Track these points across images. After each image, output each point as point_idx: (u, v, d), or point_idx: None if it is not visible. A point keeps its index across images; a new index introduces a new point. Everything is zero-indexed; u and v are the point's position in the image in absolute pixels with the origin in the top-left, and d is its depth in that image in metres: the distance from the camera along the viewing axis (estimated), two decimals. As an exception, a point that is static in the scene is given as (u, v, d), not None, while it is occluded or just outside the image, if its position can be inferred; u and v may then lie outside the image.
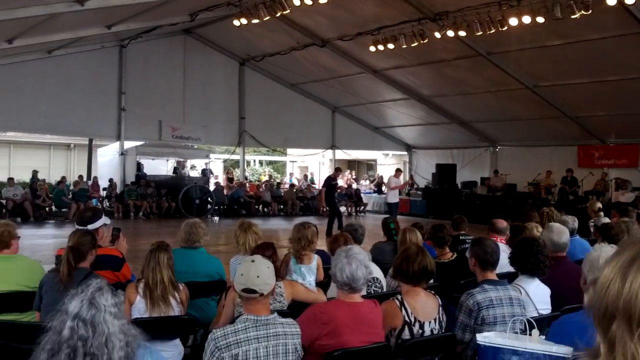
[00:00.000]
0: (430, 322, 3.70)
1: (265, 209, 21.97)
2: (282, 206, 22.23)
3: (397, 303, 3.69)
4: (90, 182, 20.17)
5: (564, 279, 4.25)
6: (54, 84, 17.97)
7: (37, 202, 17.75)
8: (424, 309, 3.72)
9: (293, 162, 34.13)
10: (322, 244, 6.46)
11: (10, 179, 18.22)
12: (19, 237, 4.73)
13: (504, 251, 5.10)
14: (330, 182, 15.54)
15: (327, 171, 25.36)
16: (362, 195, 24.23)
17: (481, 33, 13.07)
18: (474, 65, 16.24)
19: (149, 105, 19.82)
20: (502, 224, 6.45)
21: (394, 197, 16.69)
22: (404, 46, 14.80)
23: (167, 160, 23.32)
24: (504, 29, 12.73)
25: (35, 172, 20.03)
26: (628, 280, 1.01)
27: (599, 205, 9.11)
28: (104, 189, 19.88)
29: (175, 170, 22.91)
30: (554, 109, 17.28)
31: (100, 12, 13.13)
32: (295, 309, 4.01)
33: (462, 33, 13.62)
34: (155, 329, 3.57)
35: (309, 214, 21.53)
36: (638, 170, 17.70)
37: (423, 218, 18.66)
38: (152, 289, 3.94)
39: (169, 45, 20.39)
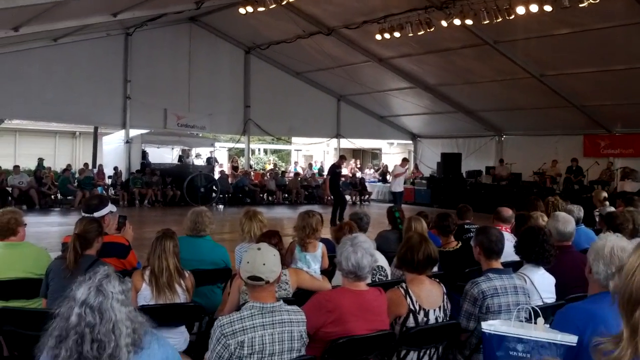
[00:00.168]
0: (434, 310, 3.71)
1: (270, 198, 22.00)
2: (286, 195, 22.25)
3: (402, 291, 3.70)
4: (95, 170, 20.23)
5: (569, 268, 4.25)
6: (59, 71, 18.00)
7: (43, 190, 17.81)
8: (429, 297, 3.73)
9: (298, 150, 34.13)
10: (326, 233, 6.47)
11: (16, 167, 18.30)
12: (25, 224, 4.75)
13: (509, 240, 5.10)
14: (334, 169, 15.51)
15: (332, 160, 25.36)
16: (366, 184, 24.21)
17: (488, 22, 13.00)
18: (481, 54, 16.17)
19: (154, 93, 19.83)
20: (507, 212, 6.44)
21: (398, 186, 16.68)
22: (410, 35, 14.75)
23: (172, 149, 23.34)
24: (511, 18, 12.66)
25: (40, 160, 20.10)
26: None
27: (605, 194, 9.10)
28: (109, 177, 19.95)
29: (180, 158, 22.95)
30: (560, 98, 17.21)
31: (106, 0, 13.11)
32: (300, 297, 4.03)
33: (468, 22, 13.55)
34: (161, 316, 3.59)
35: (314, 202, 21.55)
36: (644, 160, 17.65)
37: (427, 207, 18.65)
38: (157, 276, 3.96)
39: (175, 33, 20.36)
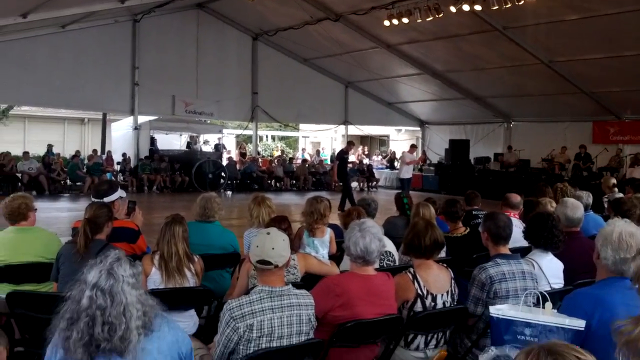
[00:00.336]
0: (442, 295, 3.73)
1: (278, 184, 22.05)
2: (294, 181, 22.29)
3: (410, 276, 3.71)
4: (104, 157, 20.32)
5: (577, 254, 4.25)
6: (67, 58, 18.02)
7: (52, 176, 17.92)
8: (436, 282, 3.75)
9: (305, 137, 34.11)
10: (334, 219, 6.49)
11: (26, 153, 18.39)
12: (35, 209, 4.78)
13: (517, 226, 5.10)
14: (342, 155, 15.50)
15: (339, 147, 25.33)
16: (374, 170, 24.20)
17: (497, 7, 12.90)
18: (489, 40, 16.06)
19: (162, 80, 19.84)
20: (516, 198, 6.43)
21: (407, 173, 16.66)
22: (419, 21, 14.67)
23: (181, 135, 23.38)
24: (520, 4, 12.57)
25: (50, 146, 20.18)
26: None
27: (613, 181, 9.07)
28: (118, 163, 20.02)
29: (188, 145, 23.00)
30: (569, 85, 17.11)
31: (114, -14, 13.10)
32: (308, 281, 4.05)
33: (477, 7, 13.45)
34: (171, 300, 3.62)
35: (321, 188, 21.57)
36: (654, 146, 17.55)
37: (435, 194, 18.63)
38: (167, 261, 3.98)
39: (182, 20, 20.32)
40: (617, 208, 5.79)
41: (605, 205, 7.99)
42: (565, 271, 4.24)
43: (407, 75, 20.87)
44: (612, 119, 18.84)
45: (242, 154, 23.95)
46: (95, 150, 20.83)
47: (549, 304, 2.65)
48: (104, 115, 23.37)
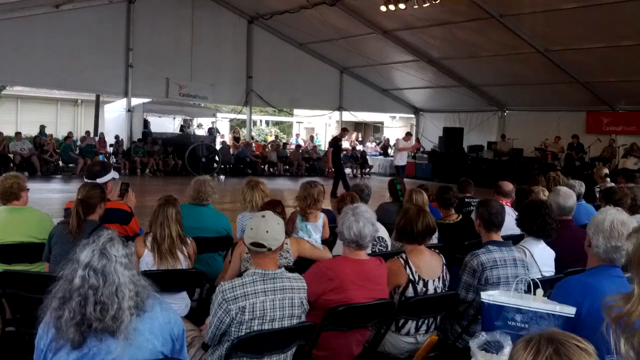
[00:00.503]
0: (434, 281, 3.75)
1: (271, 169, 22.04)
2: (287, 167, 22.27)
3: (402, 261, 3.73)
4: (97, 139, 20.21)
5: (569, 243, 4.27)
6: (61, 39, 17.83)
7: (45, 157, 17.84)
8: (428, 267, 3.76)
9: (299, 123, 34.05)
10: (326, 204, 6.50)
11: (18, 134, 18.27)
12: (28, 189, 4.76)
13: (510, 214, 5.13)
14: (336, 142, 15.50)
15: (333, 133, 25.31)
16: (367, 157, 24.21)
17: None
18: (485, 27, 16.03)
19: (156, 62, 19.71)
20: (508, 186, 6.45)
21: (401, 160, 16.69)
22: (416, 7, 14.60)
23: (174, 118, 23.29)
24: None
25: (42, 127, 20.07)
26: None
27: (606, 171, 9.10)
28: (111, 145, 19.93)
29: (181, 128, 22.92)
30: (564, 74, 17.12)
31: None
32: (300, 265, 4.06)
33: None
34: (163, 282, 3.61)
35: (315, 174, 21.57)
36: (646, 137, 17.62)
37: (428, 181, 18.66)
38: (160, 243, 3.98)
39: (177, 2, 20.15)
40: (608, 197, 5.82)
41: (597, 195, 8.03)
42: (556, 259, 4.27)
43: (403, 62, 20.82)
44: (606, 109, 18.89)
45: (236, 139, 23.89)
46: (88, 132, 20.71)
47: (539, 291, 2.66)
48: (97, 96, 23.21)
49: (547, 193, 6.05)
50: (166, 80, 20.28)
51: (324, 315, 3.30)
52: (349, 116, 25.72)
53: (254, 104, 23.22)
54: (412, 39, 18.95)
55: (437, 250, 4.01)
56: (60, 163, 18.51)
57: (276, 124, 36.44)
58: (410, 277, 3.69)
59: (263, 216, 3.13)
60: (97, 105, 23.56)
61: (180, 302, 4.05)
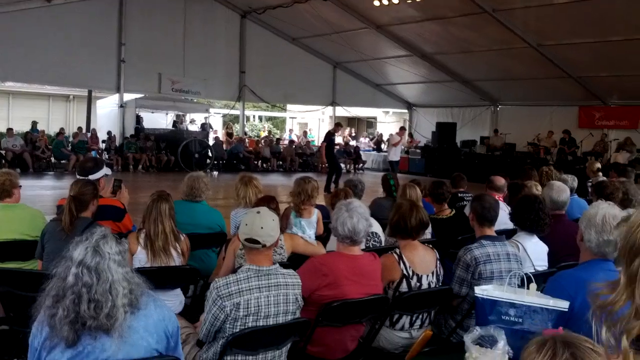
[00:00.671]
0: (427, 276, 3.76)
1: (265, 165, 22.00)
2: (281, 162, 22.25)
3: (396, 257, 3.74)
4: (89, 135, 20.11)
5: (562, 237, 4.28)
6: (53, 34, 17.71)
7: (37, 154, 17.76)
8: (422, 262, 3.78)
9: (292, 118, 33.99)
10: (320, 200, 6.50)
11: (10, 130, 18.16)
12: (20, 186, 4.74)
13: (502, 209, 5.14)
14: (330, 137, 15.51)
15: (326, 128, 25.29)
16: (361, 152, 24.21)
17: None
18: (478, 22, 16.03)
19: (148, 57, 19.60)
20: (500, 181, 6.48)
21: (395, 155, 16.72)
22: (409, 1, 14.59)
23: (167, 114, 23.19)
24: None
25: (34, 123, 19.96)
26: None
27: (598, 165, 9.15)
28: (103, 141, 19.85)
29: (174, 124, 22.84)
30: (557, 69, 17.16)
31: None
32: (294, 261, 4.06)
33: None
34: (157, 279, 3.61)
35: (308, 170, 21.54)
36: (638, 132, 17.68)
37: (421, 176, 18.70)
38: (153, 240, 3.96)
39: (170, -4, 20.05)
40: (599, 191, 5.85)
41: (590, 189, 8.07)
42: (549, 253, 4.28)
43: (396, 57, 20.80)
44: (598, 103, 18.95)
45: (229, 134, 23.82)
46: (80, 128, 20.60)
47: (533, 285, 2.68)
48: (90, 92, 23.08)
49: (539, 188, 6.07)
50: (159, 76, 20.18)
51: (318, 310, 3.30)
52: (342, 111, 25.70)
53: (247, 100, 23.15)
54: (405, 34, 18.94)
55: (430, 245, 4.02)
56: (53, 159, 18.41)
57: (269, 119, 36.36)
58: (404, 272, 3.70)
59: (258, 212, 3.13)
60: (90, 101, 23.42)
61: (175, 299, 4.04)
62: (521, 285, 2.76)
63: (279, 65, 22.31)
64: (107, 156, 19.04)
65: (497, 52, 17.57)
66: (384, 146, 24.94)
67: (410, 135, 24.23)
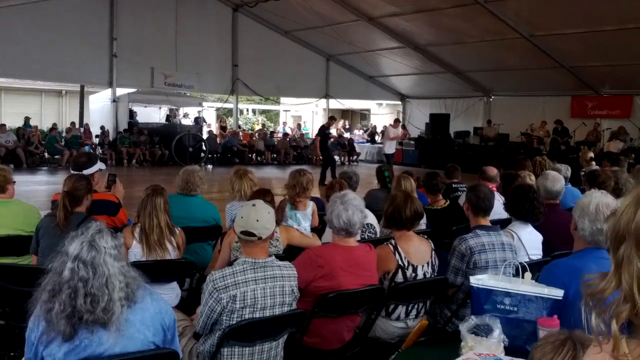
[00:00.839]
0: (423, 266, 3.78)
1: (259, 158, 21.99)
2: (275, 155, 22.24)
3: (391, 247, 3.76)
4: (82, 130, 20.04)
5: (556, 226, 4.30)
6: (44, 28, 17.59)
7: (30, 149, 17.69)
8: (417, 253, 3.79)
9: (286, 111, 33.95)
10: (315, 192, 6.51)
11: (2, 125, 18.05)
12: (14, 181, 4.72)
13: (497, 199, 5.16)
14: (324, 130, 15.53)
15: (320, 120, 25.28)
16: (355, 144, 24.21)
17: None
18: (471, 13, 16.01)
19: (141, 51, 19.50)
20: (493, 171, 6.50)
21: (390, 148, 16.75)
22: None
23: (160, 108, 23.12)
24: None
25: (27, 119, 19.88)
26: None
27: (591, 154, 9.17)
28: (96, 136, 19.78)
29: (167, 118, 22.77)
30: (549, 59, 17.16)
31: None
32: (290, 254, 4.07)
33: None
34: (153, 273, 3.61)
35: (303, 162, 21.54)
36: (631, 121, 17.74)
37: (415, 167, 18.72)
38: (148, 234, 3.96)
39: (161, -11, 19.94)
40: (592, 180, 5.88)
41: (583, 179, 8.10)
42: (543, 242, 4.31)
43: (389, 49, 20.76)
44: (591, 93, 18.98)
45: (223, 128, 23.77)
46: (73, 123, 20.52)
47: (528, 274, 2.69)
48: (82, 87, 22.98)
49: (533, 178, 6.09)
50: (151, 70, 20.08)
51: (314, 302, 3.32)
52: (335, 104, 25.68)
53: (240, 93, 23.07)
54: (397, 26, 18.90)
55: (425, 236, 4.04)
56: (46, 155, 18.37)
57: (263, 112, 36.31)
58: (400, 262, 3.72)
59: (254, 205, 3.13)
60: (82, 96, 23.32)
61: (171, 293, 4.05)
62: (516, 275, 2.77)
63: (272, 59, 22.24)
64: (100, 151, 19.01)
65: (490, 43, 17.56)
66: (377, 138, 24.94)
67: (404, 127, 24.22)
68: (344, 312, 3.48)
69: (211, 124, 25.47)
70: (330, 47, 22.73)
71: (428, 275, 3.79)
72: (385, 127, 19.00)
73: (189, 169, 5.25)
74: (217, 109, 27.89)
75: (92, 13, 18.72)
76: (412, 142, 22.58)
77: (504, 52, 17.76)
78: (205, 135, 21.37)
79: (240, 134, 23.55)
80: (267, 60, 22.19)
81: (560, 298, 2.58)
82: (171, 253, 4.02)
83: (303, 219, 5.04)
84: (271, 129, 27.11)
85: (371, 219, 4.96)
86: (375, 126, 27.06)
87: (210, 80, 21.80)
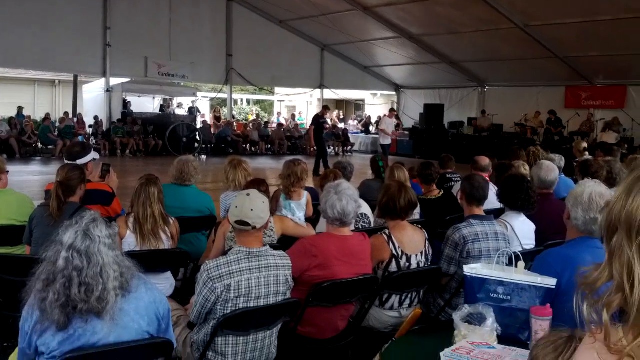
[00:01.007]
0: (416, 256, 3.79)
1: (253, 148, 21.95)
2: (269, 145, 22.20)
3: (385, 237, 3.77)
4: (75, 120, 19.94)
5: (549, 216, 4.32)
6: (37, 18, 17.45)
7: (23, 139, 17.61)
8: (411, 242, 3.81)
9: (281, 101, 33.86)
10: (310, 183, 6.52)
11: (-5, 116, 18.00)
12: (7, 171, 4.70)
13: (490, 189, 5.17)
14: (318, 120, 15.49)
15: (314, 111, 25.21)
16: (349, 135, 24.18)
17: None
18: (465, 3, 15.98)
19: (134, 41, 19.35)
20: (485, 161, 6.52)
21: (386, 139, 16.76)
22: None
23: (154, 98, 23.00)
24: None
25: (20, 109, 19.76)
26: (631, 196, 1.12)
27: (584, 145, 9.21)
28: (90, 126, 19.69)
29: (161, 108, 22.68)
30: (543, 49, 17.17)
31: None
32: (284, 244, 4.08)
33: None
34: (147, 262, 3.61)
35: (297, 153, 21.51)
36: (624, 111, 17.78)
37: (410, 158, 18.77)
38: (142, 223, 3.95)
39: (154, -22, 19.79)
40: (584, 170, 5.91)
41: (576, 169, 8.13)
42: (537, 232, 4.32)
43: (384, 39, 20.71)
44: (585, 83, 19.01)
45: (217, 118, 23.68)
46: (66, 113, 20.39)
47: (521, 263, 2.70)
48: (75, 77, 22.84)
49: (527, 167, 6.11)
50: (145, 60, 19.95)
51: (308, 291, 3.33)
52: (330, 94, 25.62)
53: (234, 83, 23.00)
54: (392, 16, 18.86)
55: (419, 226, 4.05)
56: (39, 145, 18.28)
57: (257, 102, 36.19)
58: (394, 252, 3.73)
59: (248, 195, 3.14)
60: (75, 86, 23.18)
61: (165, 282, 4.05)
62: (509, 264, 2.79)
63: (267, 48, 22.15)
64: (94, 141, 18.91)
65: (484, 33, 17.54)
66: (372, 128, 24.91)
67: (397, 117, 24.18)
68: (338, 301, 3.49)
69: (205, 114, 25.36)
70: (325, 37, 22.64)
71: (422, 265, 3.81)
72: (379, 117, 18.95)
73: (184, 159, 5.23)
74: (211, 99, 27.78)
75: (86, 2, 18.59)
76: (406, 132, 22.57)
77: (498, 42, 17.74)
78: (199, 126, 21.31)
79: (235, 124, 23.48)
80: (261, 50, 22.10)
81: (554, 287, 2.60)
82: (165, 243, 4.01)
83: (297, 209, 5.04)
84: (265, 120, 27.03)
85: (365, 208, 4.97)
86: (369, 117, 27.02)
87: (204, 70, 21.70)
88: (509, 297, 2.65)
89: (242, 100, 34.90)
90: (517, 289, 2.64)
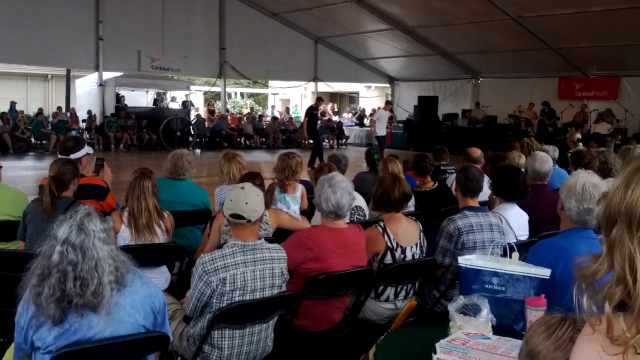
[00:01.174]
0: (411, 247, 3.80)
1: (247, 142, 21.92)
2: (264, 139, 22.17)
3: (380, 229, 3.77)
4: (69, 114, 19.86)
5: (543, 207, 4.32)
6: (29, 12, 17.35)
7: (17, 134, 17.54)
8: (406, 234, 3.81)
9: (275, 94, 33.80)
10: (304, 175, 6.51)
11: (-13, 111, 17.90)
12: (1, 166, 4.68)
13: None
14: (312, 112, 15.47)
15: (309, 104, 25.17)
16: (344, 128, 24.17)
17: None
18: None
19: (127, 34, 19.25)
20: (476, 152, 6.54)
21: (381, 130, 16.75)
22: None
23: (147, 92, 22.92)
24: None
25: (13, 104, 19.66)
26: (630, 188, 1.12)
27: (578, 136, 9.23)
28: (83, 120, 19.61)
29: (155, 102, 22.60)
30: (537, 40, 17.17)
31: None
32: (279, 237, 4.08)
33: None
34: (143, 256, 3.60)
35: (291, 146, 21.47)
36: (618, 102, 17.82)
37: (404, 150, 18.77)
38: (137, 217, 3.94)
39: (147, -29, 19.67)
40: (577, 161, 5.93)
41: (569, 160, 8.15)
42: (530, 223, 4.33)
43: (377, 31, 20.67)
44: (578, 75, 19.04)
45: (211, 111, 23.64)
46: (59, 108, 20.32)
47: (515, 254, 2.71)
48: (68, 71, 22.74)
49: (523, 158, 6.12)
50: (138, 53, 19.86)
51: (304, 283, 3.33)
52: (324, 87, 25.58)
53: (228, 76, 22.92)
54: (386, 7, 18.81)
55: (414, 218, 4.06)
56: (33, 140, 18.21)
57: (251, 96, 36.12)
58: (389, 244, 3.74)
59: (242, 188, 3.13)
60: (68, 80, 23.08)
61: (160, 276, 4.04)
62: (504, 255, 2.80)
63: (260, 41, 22.05)
64: (87, 136, 18.83)
65: (478, 25, 17.53)
66: (366, 121, 24.89)
67: (391, 110, 24.15)
68: (333, 293, 3.50)
69: (199, 108, 25.30)
70: (319, 29, 22.58)
71: (417, 257, 3.82)
72: (374, 109, 18.93)
73: (178, 153, 5.22)
74: (205, 93, 27.71)
75: (78, -4, 18.46)
76: (400, 124, 22.57)
77: (492, 33, 17.73)
78: (193, 119, 21.25)
79: (229, 117, 23.43)
80: (255, 43, 22.00)
81: (548, 277, 2.61)
82: (160, 237, 4.01)
83: (292, 202, 5.04)
84: (260, 113, 26.98)
85: (360, 201, 4.98)
86: (364, 109, 27.00)
87: (197, 64, 21.61)
88: (503, 288, 2.67)
89: (236, 93, 34.82)
90: (512, 279, 2.65)
